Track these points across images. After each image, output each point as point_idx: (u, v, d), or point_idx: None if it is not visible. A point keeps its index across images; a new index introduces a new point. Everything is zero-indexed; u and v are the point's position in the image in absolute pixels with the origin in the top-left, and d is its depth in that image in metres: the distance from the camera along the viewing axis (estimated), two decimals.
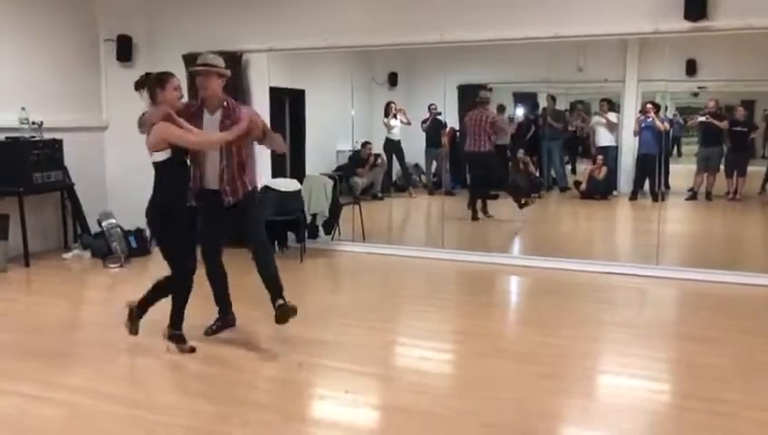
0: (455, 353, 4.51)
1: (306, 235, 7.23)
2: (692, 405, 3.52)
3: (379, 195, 9.45)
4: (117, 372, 3.99)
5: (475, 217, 8.24)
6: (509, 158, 9.46)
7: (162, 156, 4.10)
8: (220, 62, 4.29)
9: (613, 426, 3.37)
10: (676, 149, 9.42)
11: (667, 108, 8.44)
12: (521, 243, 8.22)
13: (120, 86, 7.91)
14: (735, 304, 5.42)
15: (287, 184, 7.19)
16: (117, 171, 7.98)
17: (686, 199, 8.63)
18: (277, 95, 7.69)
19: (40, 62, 7.16)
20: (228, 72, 4.31)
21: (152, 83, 4.20)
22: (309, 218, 7.36)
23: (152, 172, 7.75)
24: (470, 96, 9.11)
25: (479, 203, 8.35)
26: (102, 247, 6.87)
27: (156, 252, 7.14)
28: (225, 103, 4.27)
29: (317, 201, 7.38)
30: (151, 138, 4.14)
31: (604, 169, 8.91)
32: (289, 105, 8.32)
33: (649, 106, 8.18)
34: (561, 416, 3.56)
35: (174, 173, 4.13)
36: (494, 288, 6.36)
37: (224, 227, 4.44)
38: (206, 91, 4.22)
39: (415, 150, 9.42)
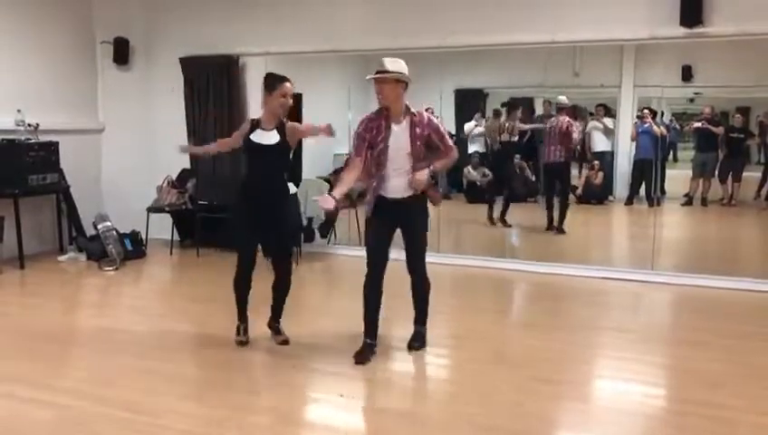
0: (451, 358, 4.50)
1: (303, 238, 7.23)
2: (688, 410, 3.52)
3: None
4: (111, 375, 3.97)
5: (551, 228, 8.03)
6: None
7: None
8: (399, 66, 3.94)
9: (610, 430, 3.37)
10: (672, 154, 9.44)
11: (663, 113, 8.47)
12: (517, 248, 8.22)
13: (116, 89, 7.93)
14: (731, 309, 5.43)
15: None
16: (113, 174, 7.97)
17: (682, 205, 8.65)
18: None
19: (36, 64, 7.15)
20: (408, 78, 3.95)
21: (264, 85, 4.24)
22: (305, 222, 7.35)
23: (148, 174, 7.80)
24: (467, 101, 9.12)
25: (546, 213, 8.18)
26: (98, 250, 6.85)
27: (151, 255, 7.19)
28: (411, 111, 4.01)
29: (314, 205, 7.37)
30: None
31: (600, 175, 8.93)
32: None
33: (646, 111, 8.21)
34: (559, 420, 3.56)
35: None
36: (490, 293, 6.35)
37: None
38: (381, 99, 3.97)
39: None
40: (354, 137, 4.06)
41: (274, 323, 4.49)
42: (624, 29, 6.04)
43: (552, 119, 8.14)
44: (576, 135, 8.16)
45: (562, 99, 8.16)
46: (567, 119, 8.04)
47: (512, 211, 8.38)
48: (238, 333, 4.45)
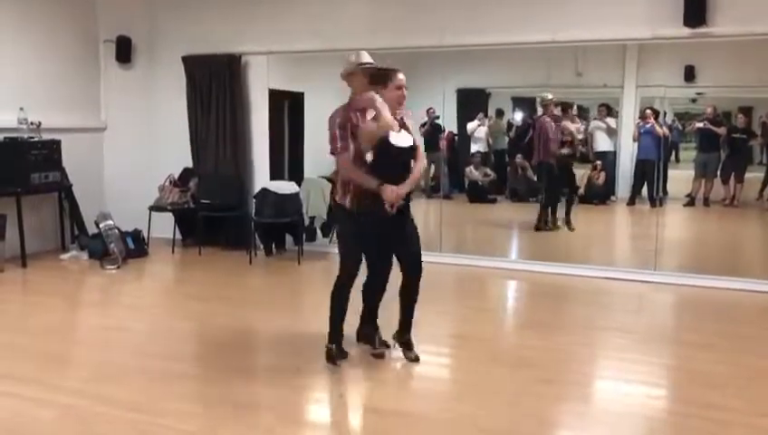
0: (452, 358, 4.50)
1: (304, 237, 7.23)
2: (689, 411, 3.52)
3: None
4: (113, 374, 3.97)
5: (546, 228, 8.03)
6: (507, 162, 9.47)
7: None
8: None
9: (610, 432, 3.37)
10: (674, 154, 9.42)
11: (665, 114, 8.45)
12: (518, 247, 8.22)
13: (119, 87, 7.95)
14: (733, 310, 5.43)
15: (285, 186, 7.19)
16: (115, 172, 7.99)
17: (684, 205, 8.63)
18: (276, 98, 7.69)
19: (39, 62, 7.15)
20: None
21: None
22: (307, 221, 7.36)
23: (150, 173, 7.82)
24: (469, 100, 9.11)
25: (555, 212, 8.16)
26: (100, 248, 6.86)
27: (153, 253, 7.19)
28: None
29: (315, 204, 7.39)
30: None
31: (602, 175, 8.92)
32: (288, 108, 8.31)
33: (649, 112, 8.19)
34: (559, 421, 3.56)
35: None
36: (491, 292, 6.36)
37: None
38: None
39: None
40: None
41: (406, 337, 4.14)
42: (627, 29, 6.03)
43: (542, 118, 8.18)
44: (552, 135, 8.13)
45: (547, 96, 8.18)
46: (548, 118, 8.08)
47: (515, 211, 8.39)
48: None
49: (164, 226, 7.40)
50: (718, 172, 8.46)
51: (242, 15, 7.27)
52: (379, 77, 3.90)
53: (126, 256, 6.84)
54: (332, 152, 3.91)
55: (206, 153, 7.49)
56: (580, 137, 8.46)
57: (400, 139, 3.85)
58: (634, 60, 8.20)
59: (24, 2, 6.98)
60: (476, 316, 5.27)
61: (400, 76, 3.87)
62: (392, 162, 3.82)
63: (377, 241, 3.94)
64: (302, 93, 8.26)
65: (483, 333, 4.84)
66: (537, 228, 8.03)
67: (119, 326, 4.98)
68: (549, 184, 8.20)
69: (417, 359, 4.11)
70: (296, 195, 7.14)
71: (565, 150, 8.24)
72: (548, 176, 8.18)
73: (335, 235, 4.13)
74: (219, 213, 7.27)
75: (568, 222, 8.07)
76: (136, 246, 7.08)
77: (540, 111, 8.68)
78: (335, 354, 4.06)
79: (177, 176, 7.60)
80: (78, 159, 7.34)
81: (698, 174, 8.57)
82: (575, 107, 8.66)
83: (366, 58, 4.04)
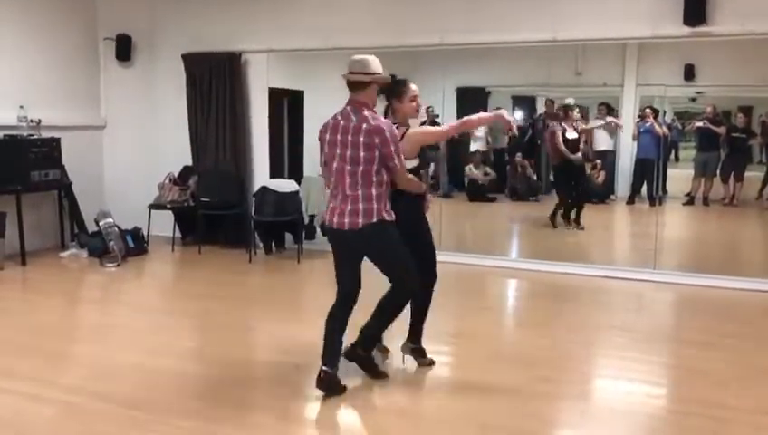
0: (452, 356, 4.50)
1: (304, 235, 7.23)
2: (689, 410, 3.52)
3: None
4: (112, 372, 3.97)
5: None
6: (507, 161, 9.47)
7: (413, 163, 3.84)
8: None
9: (611, 430, 3.37)
10: (673, 153, 9.43)
11: (665, 113, 8.45)
12: (518, 246, 8.22)
13: (118, 85, 7.94)
14: (733, 309, 5.43)
15: (285, 185, 7.19)
16: (115, 170, 7.98)
17: (684, 204, 8.64)
18: (276, 96, 7.69)
19: (39, 59, 7.15)
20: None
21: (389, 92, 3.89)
22: (307, 219, 7.36)
23: (150, 171, 7.80)
24: (469, 99, 9.11)
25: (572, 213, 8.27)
26: (99, 246, 6.86)
27: (152, 251, 7.19)
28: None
29: (315, 202, 7.38)
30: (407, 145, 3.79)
31: (602, 174, 8.92)
32: (288, 106, 8.31)
33: (648, 111, 8.20)
34: (559, 420, 3.56)
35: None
36: (491, 291, 6.36)
37: None
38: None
39: None
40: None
41: (418, 345, 4.13)
42: (627, 27, 6.03)
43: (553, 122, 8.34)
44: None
45: (570, 101, 8.38)
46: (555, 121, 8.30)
47: (515, 209, 8.41)
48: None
49: (164, 224, 7.40)
50: (718, 171, 8.48)
51: (242, 13, 7.26)
52: (392, 90, 3.89)
53: (125, 255, 6.84)
54: (397, 167, 3.66)
55: (206, 151, 7.48)
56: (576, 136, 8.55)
57: None
58: (634, 58, 8.20)
59: (25, 0, 6.97)
60: (476, 315, 5.27)
61: (413, 87, 3.88)
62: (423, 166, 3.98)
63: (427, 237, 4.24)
64: (302, 91, 8.26)
65: (483, 331, 4.84)
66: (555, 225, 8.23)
67: (118, 324, 4.98)
68: (555, 185, 8.51)
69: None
70: (296, 193, 7.13)
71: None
72: (556, 177, 8.51)
73: (386, 252, 4.04)
74: (219, 211, 7.27)
75: (577, 222, 8.11)
76: (135, 244, 7.08)
77: (541, 110, 8.73)
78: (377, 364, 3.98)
79: (176, 174, 7.60)
80: (78, 156, 7.33)
81: (698, 173, 8.58)
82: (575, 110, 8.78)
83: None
